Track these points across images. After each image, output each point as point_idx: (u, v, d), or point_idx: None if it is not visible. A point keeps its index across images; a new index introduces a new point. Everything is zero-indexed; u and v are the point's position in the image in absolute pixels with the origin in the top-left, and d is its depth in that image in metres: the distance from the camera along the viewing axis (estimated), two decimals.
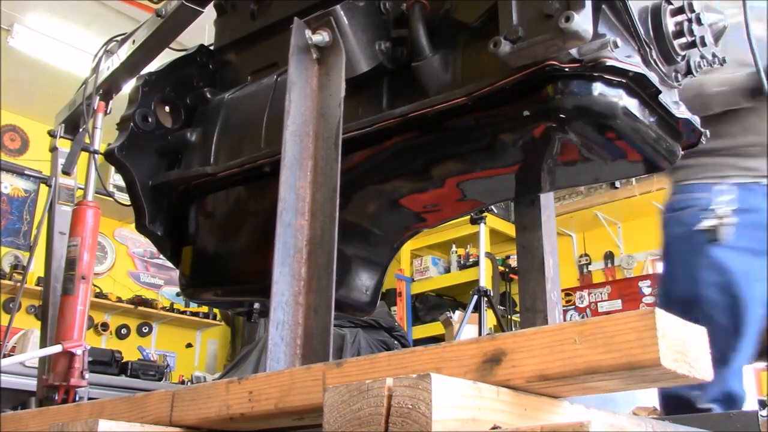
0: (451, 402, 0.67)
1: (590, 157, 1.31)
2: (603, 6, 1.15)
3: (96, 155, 2.23)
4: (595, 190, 6.39)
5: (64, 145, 2.36)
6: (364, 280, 1.75)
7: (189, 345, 7.10)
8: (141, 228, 1.77)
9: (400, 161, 1.45)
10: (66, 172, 2.29)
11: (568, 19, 1.03)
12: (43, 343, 2.12)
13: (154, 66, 1.94)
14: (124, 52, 2.16)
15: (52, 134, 2.41)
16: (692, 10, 1.27)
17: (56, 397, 1.94)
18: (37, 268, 5.07)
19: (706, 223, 2.12)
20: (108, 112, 2.29)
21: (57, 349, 1.94)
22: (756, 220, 2.13)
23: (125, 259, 6.99)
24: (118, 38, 2.23)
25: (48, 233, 2.30)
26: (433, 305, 6.55)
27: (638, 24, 1.20)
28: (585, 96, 1.16)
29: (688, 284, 2.15)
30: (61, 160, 2.30)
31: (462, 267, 6.59)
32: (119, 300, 6.55)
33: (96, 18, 5.03)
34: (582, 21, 1.03)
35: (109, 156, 1.74)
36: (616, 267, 6.64)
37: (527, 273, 1.55)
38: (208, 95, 1.80)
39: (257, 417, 0.91)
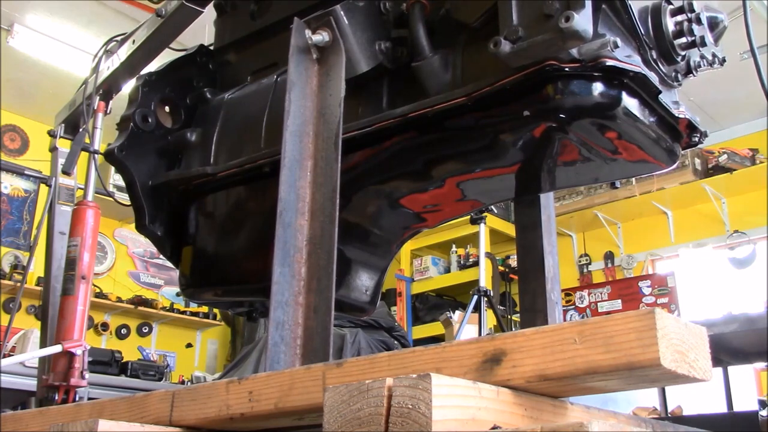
0: (451, 402, 0.67)
1: (590, 157, 1.31)
2: (603, 6, 1.15)
3: (96, 155, 2.23)
4: (595, 190, 6.39)
5: (64, 145, 2.36)
6: (364, 280, 1.75)
7: (189, 345, 7.09)
8: (141, 228, 1.77)
9: (400, 161, 1.45)
10: (66, 172, 2.29)
11: (568, 19, 1.03)
12: (43, 343, 2.12)
13: (154, 66, 1.94)
14: (124, 52, 2.16)
15: (52, 134, 2.42)
16: (692, 10, 1.27)
17: (56, 397, 1.93)
18: (37, 268, 5.07)
19: None
20: (108, 112, 2.29)
21: (57, 349, 1.94)
22: None
23: (125, 259, 6.99)
24: (118, 38, 2.23)
25: (48, 233, 2.30)
26: (433, 305, 6.54)
27: (638, 24, 1.20)
28: (585, 96, 1.16)
29: None
30: (61, 160, 2.30)
31: (462, 267, 6.59)
32: (119, 300, 6.55)
33: (96, 18, 5.03)
34: (582, 21, 1.03)
35: (109, 156, 1.74)
36: (616, 267, 6.64)
37: (527, 273, 1.55)
38: (208, 95, 1.80)
39: (257, 417, 0.91)
